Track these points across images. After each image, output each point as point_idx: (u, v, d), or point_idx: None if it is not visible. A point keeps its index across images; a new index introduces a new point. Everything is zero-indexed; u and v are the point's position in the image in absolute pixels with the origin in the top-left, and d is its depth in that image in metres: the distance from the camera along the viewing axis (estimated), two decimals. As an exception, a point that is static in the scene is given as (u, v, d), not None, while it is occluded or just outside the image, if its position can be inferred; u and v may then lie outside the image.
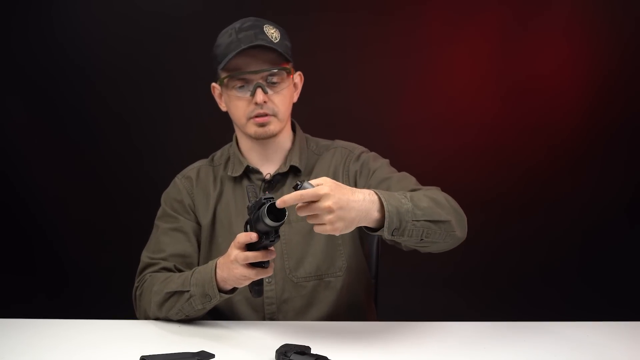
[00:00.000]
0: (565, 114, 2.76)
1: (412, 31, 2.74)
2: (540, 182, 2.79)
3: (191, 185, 1.66)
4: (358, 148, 1.68)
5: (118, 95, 2.76)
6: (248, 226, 1.33)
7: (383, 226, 1.28)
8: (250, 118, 1.55)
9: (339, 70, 2.72)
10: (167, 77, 2.75)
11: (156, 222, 1.67)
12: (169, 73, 2.75)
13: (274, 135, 1.58)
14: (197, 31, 2.71)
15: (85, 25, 2.76)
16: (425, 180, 2.73)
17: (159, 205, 1.69)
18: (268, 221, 1.23)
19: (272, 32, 1.55)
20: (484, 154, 2.78)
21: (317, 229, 1.23)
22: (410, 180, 1.59)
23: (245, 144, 1.64)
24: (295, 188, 1.23)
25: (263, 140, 1.59)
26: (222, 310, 1.58)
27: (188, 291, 1.45)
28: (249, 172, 1.63)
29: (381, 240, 1.87)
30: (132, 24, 2.75)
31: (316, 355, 1.21)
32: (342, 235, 1.58)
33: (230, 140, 1.71)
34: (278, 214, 1.24)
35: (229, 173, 1.64)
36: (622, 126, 2.73)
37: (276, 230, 1.26)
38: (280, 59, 1.54)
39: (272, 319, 1.58)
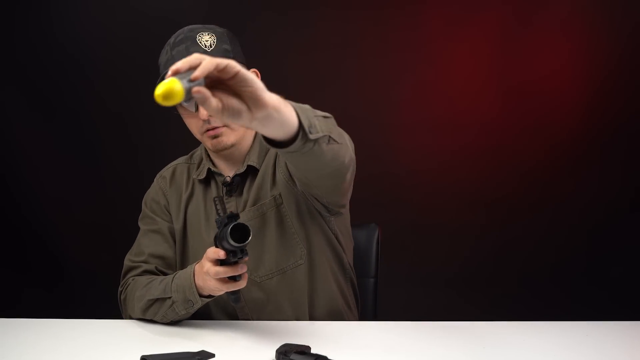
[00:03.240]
0: (566, 114, 2.76)
1: (411, 30, 2.74)
2: (542, 181, 2.79)
3: (166, 185, 1.67)
4: None
5: (117, 95, 2.76)
6: (216, 242, 1.33)
7: (294, 135, 1.14)
8: (203, 133, 1.53)
9: (338, 68, 2.72)
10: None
11: (138, 223, 1.68)
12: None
13: (231, 146, 1.55)
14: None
15: (86, 27, 2.77)
16: (425, 180, 2.75)
17: None
18: (232, 242, 1.24)
19: (207, 40, 1.50)
20: (484, 154, 2.78)
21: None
22: None
23: (209, 150, 1.62)
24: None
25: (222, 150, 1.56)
26: (201, 317, 1.56)
27: (170, 297, 1.45)
28: (214, 174, 1.62)
29: (381, 240, 1.87)
30: (133, 24, 2.75)
31: (316, 355, 1.21)
32: (293, 222, 1.56)
33: None
34: (243, 232, 1.25)
35: (194, 176, 1.64)
36: (622, 125, 2.74)
37: (242, 249, 1.27)
38: None
39: (246, 321, 1.57)
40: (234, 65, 0.99)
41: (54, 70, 2.77)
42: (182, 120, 2.94)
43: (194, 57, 0.96)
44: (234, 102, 1.01)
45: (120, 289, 1.61)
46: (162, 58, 1.53)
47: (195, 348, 1.32)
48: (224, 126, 1.50)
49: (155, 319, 1.51)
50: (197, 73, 0.95)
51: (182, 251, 1.62)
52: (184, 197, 1.63)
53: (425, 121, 2.77)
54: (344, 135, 1.36)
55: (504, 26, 2.73)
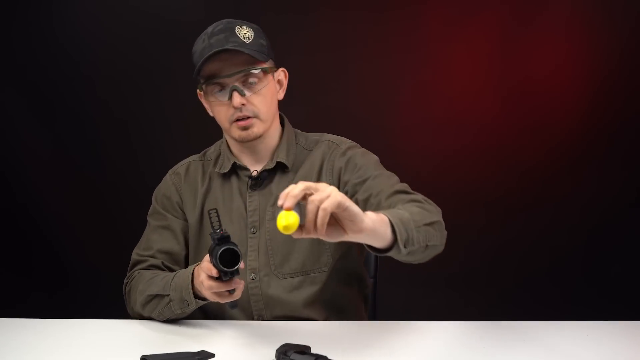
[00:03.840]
0: (566, 114, 2.76)
1: (411, 31, 2.74)
2: (541, 182, 2.79)
3: (180, 181, 1.67)
4: (345, 142, 1.64)
5: (118, 97, 2.76)
6: (210, 256, 1.33)
7: (390, 240, 1.21)
8: (232, 122, 1.54)
9: (338, 69, 2.72)
10: (167, 78, 2.75)
11: (148, 218, 1.69)
12: (169, 74, 2.74)
13: (258, 137, 1.57)
14: (197, 32, 2.71)
15: (86, 27, 2.76)
16: (425, 180, 2.74)
17: None
18: (220, 266, 1.26)
19: (245, 32, 1.53)
20: (484, 154, 2.78)
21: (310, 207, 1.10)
22: (393, 179, 1.56)
23: (233, 144, 1.63)
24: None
25: (249, 142, 1.58)
26: (211, 308, 1.58)
27: (168, 295, 1.47)
28: (237, 168, 1.63)
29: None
30: (133, 25, 2.75)
31: (316, 355, 1.21)
32: None
33: None
34: (233, 256, 1.26)
35: (216, 170, 1.64)
36: (623, 125, 2.73)
37: (232, 272, 1.28)
38: (254, 59, 1.52)
39: (260, 315, 1.58)
40: (345, 201, 1.08)
41: (56, 71, 2.77)
42: (183, 125, 2.94)
43: (298, 193, 1.07)
44: (331, 229, 1.11)
45: (125, 281, 1.63)
46: (198, 46, 1.55)
47: (195, 348, 1.32)
48: (254, 117, 1.53)
49: (152, 315, 1.51)
50: (319, 228, 1.08)
51: (196, 244, 1.63)
52: (200, 191, 1.64)
53: (425, 122, 2.77)
54: (443, 231, 1.39)
55: (504, 26, 2.73)
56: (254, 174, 1.60)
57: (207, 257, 1.33)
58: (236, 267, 1.27)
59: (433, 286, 2.77)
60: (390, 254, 1.23)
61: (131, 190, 2.76)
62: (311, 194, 1.09)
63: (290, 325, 1.51)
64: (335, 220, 1.12)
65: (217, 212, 1.32)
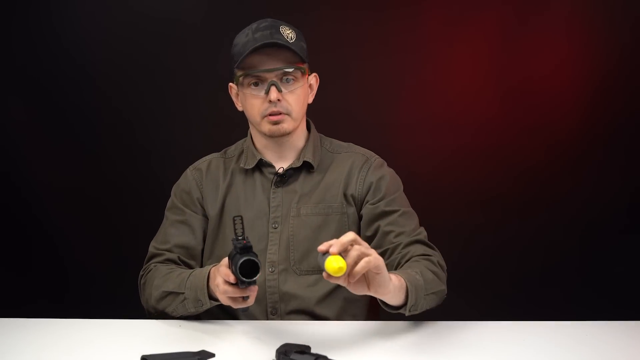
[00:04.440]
0: (565, 114, 2.76)
1: (411, 30, 2.74)
2: (540, 181, 2.78)
3: (201, 177, 1.70)
4: (374, 156, 1.72)
5: (121, 96, 2.75)
6: (230, 261, 1.33)
7: (401, 303, 1.36)
8: (264, 116, 1.58)
9: (338, 69, 2.72)
10: (170, 78, 2.74)
11: (166, 212, 1.71)
12: (172, 74, 2.74)
13: (287, 134, 1.61)
14: (198, 33, 2.71)
15: (87, 26, 2.75)
16: (424, 179, 2.75)
17: (163, 205, 1.73)
18: (239, 275, 1.27)
19: (288, 33, 1.58)
20: (483, 154, 2.78)
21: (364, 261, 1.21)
22: (415, 220, 1.64)
23: (259, 140, 1.67)
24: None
25: (277, 138, 1.62)
26: (228, 305, 1.59)
27: (183, 293, 1.50)
28: (262, 165, 1.66)
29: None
30: (134, 26, 2.74)
31: (316, 354, 1.21)
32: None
33: (236, 139, 1.76)
34: (253, 267, 1.26)
35: (241, 165, 1.67)
36: (622, 125, 2.73)
37: (249, 282, 1.29)
38: (295, 58, 1.57)
39: (274, 309, 1.60)
40: (383, 266, 1.23)
41: (58, 70, 2.76)
42: (188, 123, 2.93)
43: (347, 241, 1.19)
44: (357, 283, 1.24)
45: (141, 273, 1.65)
46: (241, 39, 1.59)
47: (195, 348, 1.32)
48: (286, 114, 1.58)
49: (166, 311, 1.54)
50: (353, 274, 1.19)
51: (214, 239, 1.66)
52: (223, 186, 1.67)
53: (425, 121, 2.77)
54: (442, 297, 1.52)
55: (504, 26, 2.72)
56: (280, 171, 1.64)
57: (225, 261, 1.33)
58: (254, 279, 1.27)
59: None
60: (396, 311, 1.38)
61: (134, 190, 2.76)
62: (356, 246, 1.20)
63: (291, 325, 1.51)
64: (364, 277, 1.24)
65: (242, 219, 1.32)
